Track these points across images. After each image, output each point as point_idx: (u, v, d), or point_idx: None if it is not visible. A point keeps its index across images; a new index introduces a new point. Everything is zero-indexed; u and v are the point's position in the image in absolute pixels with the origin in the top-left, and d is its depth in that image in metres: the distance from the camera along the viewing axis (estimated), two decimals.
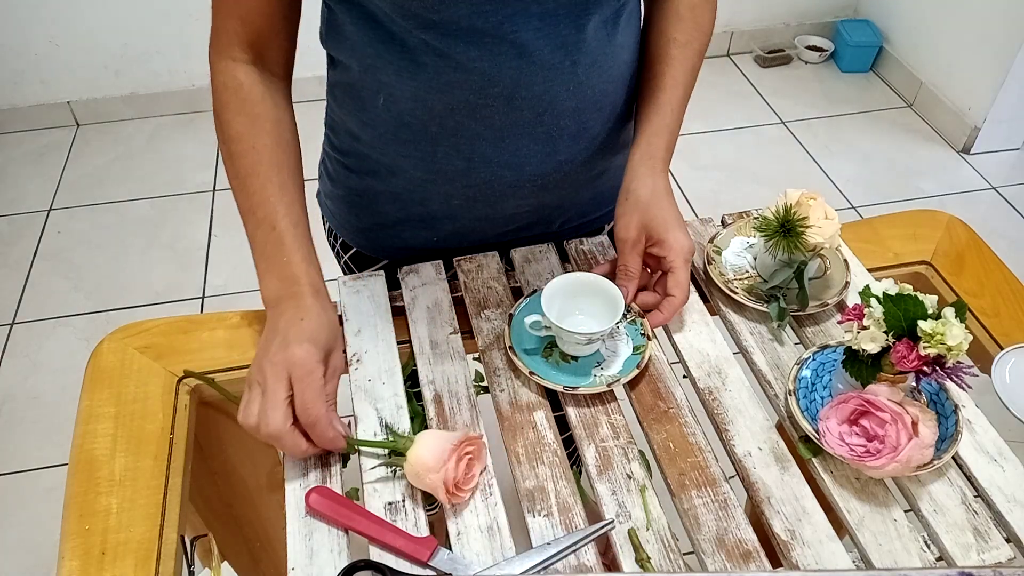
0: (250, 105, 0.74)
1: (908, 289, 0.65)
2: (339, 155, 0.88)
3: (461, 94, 0.74)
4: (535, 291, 0.82)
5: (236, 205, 0.75)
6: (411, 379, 0.78)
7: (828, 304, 0.82)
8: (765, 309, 0.82)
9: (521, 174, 0.81)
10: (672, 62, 0.82)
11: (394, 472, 0.69)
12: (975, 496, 0.68)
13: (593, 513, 0.67)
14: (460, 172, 0.81)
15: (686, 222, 0.94)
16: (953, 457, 0.70)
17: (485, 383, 0.78)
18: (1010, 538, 0.66)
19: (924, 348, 0.63)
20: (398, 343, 0.80)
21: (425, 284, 0.86)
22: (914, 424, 0.65)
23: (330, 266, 1.01)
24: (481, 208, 0.85)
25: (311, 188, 0.98)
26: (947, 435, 0.69)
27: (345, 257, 0.97)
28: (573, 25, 0.72)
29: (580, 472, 1.13)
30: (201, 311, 2.03)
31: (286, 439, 0.65)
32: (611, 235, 0.94)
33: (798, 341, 0.82)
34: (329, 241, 1.00)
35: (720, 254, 0.88)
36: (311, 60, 1.15)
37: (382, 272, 0.87)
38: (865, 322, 0.66)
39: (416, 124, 0.78)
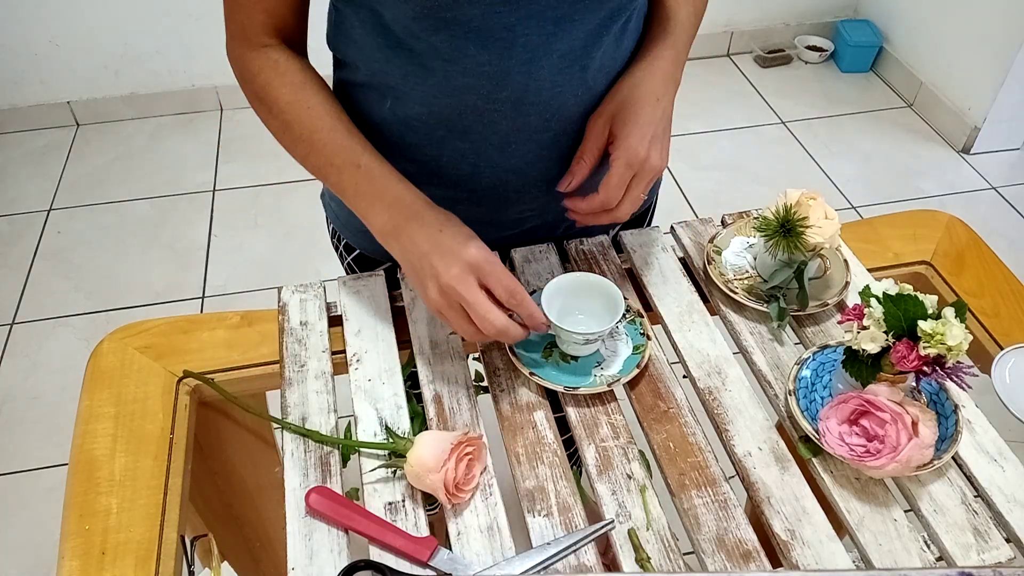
0: (291, 75, 0.75)
1: (908, 289, 0.65)
2: None
3: (469, 99, 0.74)
4: (535, 291, 0.82)
5: (308, 168, 0.76)
6: (411, 379, 0.78)
7: (828, 304, 0.82)
8: (765, 309, 0.82)
9: (527, 179, 0.81)
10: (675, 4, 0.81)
11: (394, 472, 0.69)
12: (975, 496, 0.68)
13: (593, 513, 0.67)
14: (465, 176, 0.81)
15: (686, 222, 0.94)
16: (953, 457, 0.70)
17: (485, 383, 0.78)
18: (1010, 538, 0.66)
19: (924, 348, 0.63)
20: (398, 343, 0.80)
21: None
22: (914, 424, 0.65)
23: (334, 267, 1.01)
24: (486, 212, 0.85)
25: (315, 188, 0.98)
26: (947, 435, 0.69)
27: (348, 259, 0.97)
28: (586, 30, 0.71)
29: (580, 472, 1.13)
30: (201, 311, 2.03)
31: (512, 330, 0.69)
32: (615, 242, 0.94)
33: (798, 341, 0.82)
34: (333, 243, 0.99)
35: (720, 254, 0.88)
36: (314, 59, 1.14)
37: (382, 272, 0.87)
38: (865, 322, 0.66)
39: (422, 128, 0.77)
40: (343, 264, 1.00)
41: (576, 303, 0.77)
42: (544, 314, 0.72)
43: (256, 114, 0.77)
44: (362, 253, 0.95)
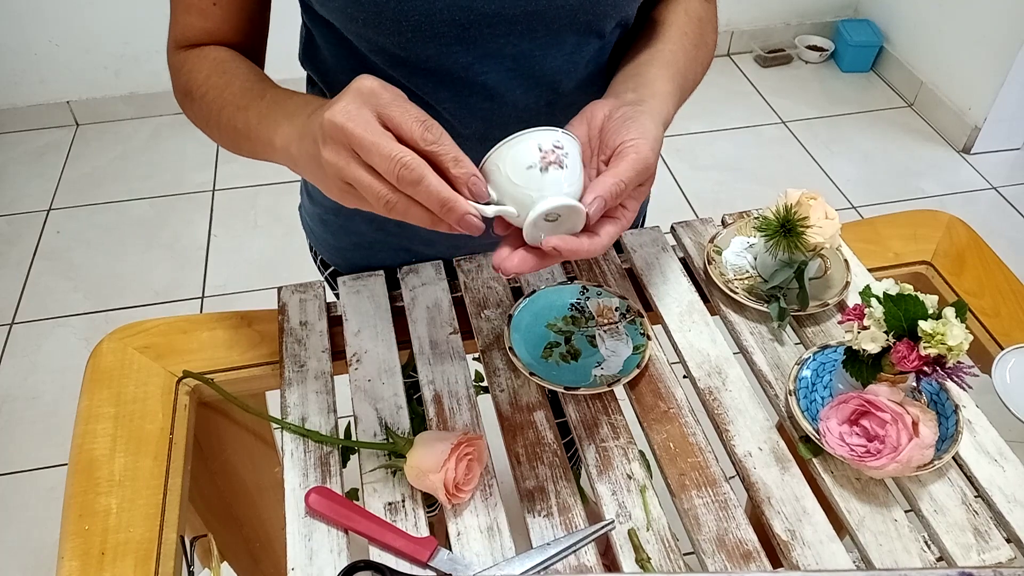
0: (215, 53, 0.68)
1: (908, 289, 0.65)
2: None
3: None
4: (534, 291, 0.82)
5: (230, 140, 0.66)
6: (411, 381, 0.78)
7: (828, 304, 0.82)
8: (765, 309, 0.82)
9: None
10: (676, 30, 0.70)
11: (394, 472, 0.69)
12: (975, 496, 0.68)
13: (593, 513, 0.67)
14: None
15: (686, 222, 0.94)
16: (953, 457, 0.70)
17: (485, 383, 0.78)
18: (1010, 538, 0.66)
19: (924, 348, 0.62)
20: (398, 343, 0.80)
21: (425, 284, 0.86)
22: (914, 424, 0.64)
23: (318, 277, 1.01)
24: (458, 237, 0.84)
25: (294, 201, 0.98)
26: (947, 435, 0.69)
27: (325, 273, 0.97)
28: (550, 67, 0.69)
29: (580, 472, 1.13)
30: (200, 311, 2.03)
31: (430, 178, 0.48)
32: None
33: (798, 341, 0.82)
34: (312, 255, 0.99)
35: (720, 254, 0.88)
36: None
37: (382, 272, 0.87)
38: (865, 322, 0.66)
39: None
40: (323, 277, 0.99)
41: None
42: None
43: (186, 115, 0.69)
44: (336, 270, 0.94)
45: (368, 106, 0.50)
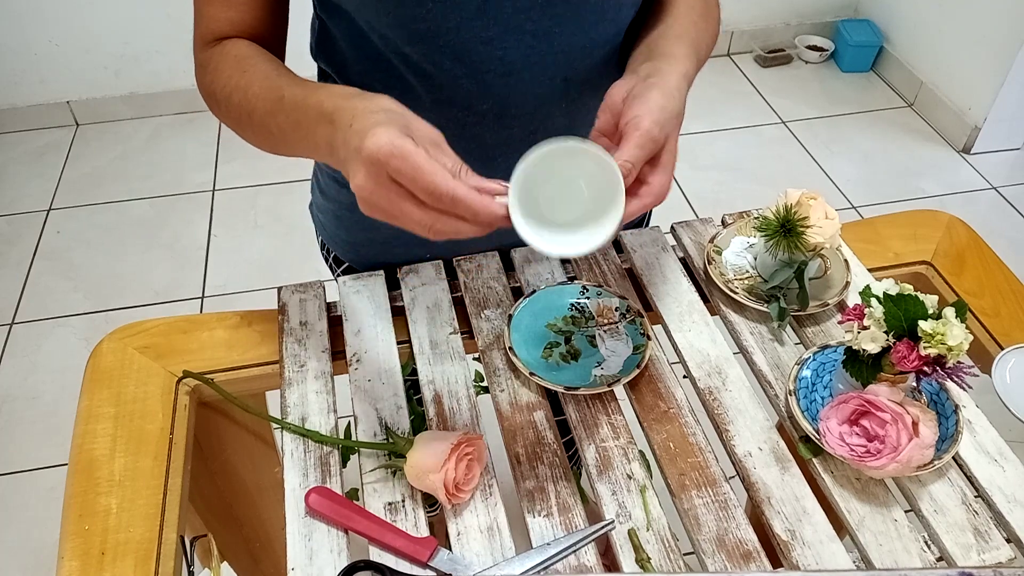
0: (236, 49, 0.69)
1: (908, 289, 0.65)
2: (330, 168, 0.86)
3: (449, 112, 0.72)
4: (534, 291, 0.82)
5: (261, 141, 0.67)
6: (412, 385, 0.78)
7: (828, 304, 0.82)
8: (765, 309, 0.82)
9: None
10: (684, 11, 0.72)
11: (394, 472, 0.69)
12: (975, 496, 0.68)
13: (593, 513, 0.67)
14: None
15: (686, 222, 0.94)
16: (953, 457, 0.70)
17: (485, 383, 0.78)
18: (1010, 538, 0.66)
19: (924, 348, 0.62)
20: (398, 343, 0.80)
21: (425, 284, 0.86)
22: (914, 424, 0.64)
23: (326, 274, 1.01)
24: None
25: (306, 199, 0.98)
26: (947, 435, 0.69)
27: (338, 271, 0.97)
28: (570, 44, 0.70)
29: (580, 472, 1.13)
30: (200, 311, 2.03)
31: (463, 228, 0.53)
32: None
33: (798, 341, 0.82)
34: (323, 254, 0.99)
35: (720, 254, 0.88)
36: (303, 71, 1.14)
37: (382, 272, 0.87)
38: (865, 322, 0.66)
39: None
40: (334, 276, 0.99)
41: (558, 177, 0.58)
42: (503, 193, 0.54)
43: (214, 115, 0.70)
44: (351, 266, 0.94)
45: (382, 174, 0.52)
